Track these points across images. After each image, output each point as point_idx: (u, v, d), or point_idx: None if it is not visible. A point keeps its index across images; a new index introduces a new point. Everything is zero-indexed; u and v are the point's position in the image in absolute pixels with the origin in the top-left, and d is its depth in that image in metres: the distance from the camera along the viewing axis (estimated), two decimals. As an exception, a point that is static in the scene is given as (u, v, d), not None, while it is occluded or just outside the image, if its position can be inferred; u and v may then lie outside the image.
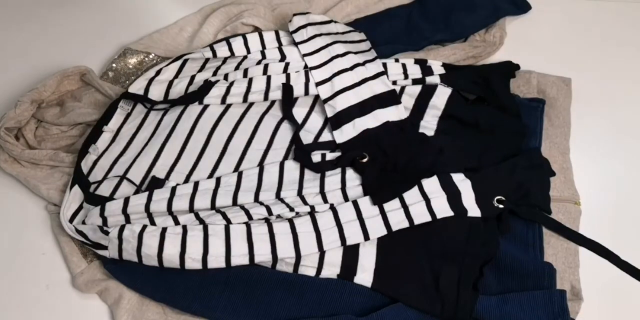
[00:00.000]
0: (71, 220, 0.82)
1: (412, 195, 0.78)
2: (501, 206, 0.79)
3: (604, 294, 0.79)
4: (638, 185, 0.89)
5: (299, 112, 0.90)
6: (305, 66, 0.94)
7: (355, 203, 0.79)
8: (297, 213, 0.78)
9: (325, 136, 0.88)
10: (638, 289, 0.79)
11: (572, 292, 0.79)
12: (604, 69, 1.01)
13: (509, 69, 0.96)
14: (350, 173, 0.83)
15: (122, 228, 0.78)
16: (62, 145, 0.92)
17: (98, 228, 0.78)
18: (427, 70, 0.94)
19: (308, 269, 0.76)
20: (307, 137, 0.87)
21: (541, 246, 0.81)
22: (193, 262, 0.75)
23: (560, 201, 0.85)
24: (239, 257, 0.75)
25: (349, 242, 0.76)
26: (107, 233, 0.78)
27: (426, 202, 0.78)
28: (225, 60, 0.95)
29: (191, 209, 0.79)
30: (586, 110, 0.95)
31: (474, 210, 0.78)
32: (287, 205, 0.79)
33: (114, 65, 1.00)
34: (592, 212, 0.86)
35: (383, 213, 0.78)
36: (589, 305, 0.77)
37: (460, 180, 0.80)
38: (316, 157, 0.84)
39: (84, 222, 0.81)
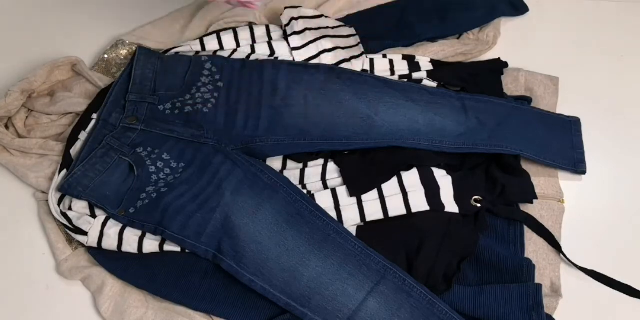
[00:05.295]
0: (58, 204, 0.84)
1: (390, 188, 0.80)
2: (478, 205, 0.80)
3: (585, 292, 0.80)
4: (624, 184, 0.90)
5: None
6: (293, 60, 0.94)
7: (333, 191, 0.80)
8: None
9: None
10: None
11: (552, 288, 0.80)
12: (598, 69, 1.01)
13: (498, 66, 0.97)
14: (331, 165, 0.85)
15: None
16: (52, 134, 0.93)
17: (84, 215, 0.81)
18: (414, 66, 0.95)
19: None
20: None
21: (522, 243, 0.82)
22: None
23: (544, 199, 0.86)
24: None
25: None
26: (94, 216, 0.81)
27: (403, 195, 0.79)
28: (214, 53, 0.95)
29: None
30: (576, 110, 0.94)
31: (451, 207, 0.79)
32: None
33: (105, 56, 1.00)
34: (580, 211, 0.87)
35: (360, 202, 0.79)
36: (568, 303, 0.78)
37: (442, 176, 0.81)
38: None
39: (70, 208, 0.83)
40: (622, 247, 0.84)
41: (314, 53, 0.94)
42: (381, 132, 0.85)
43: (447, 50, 0.98)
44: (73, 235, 0.82)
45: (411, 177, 0.80)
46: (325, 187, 0.83)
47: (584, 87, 0.98)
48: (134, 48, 1.01)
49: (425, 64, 0.95)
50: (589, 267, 0.81)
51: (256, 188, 0.79)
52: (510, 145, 0.86)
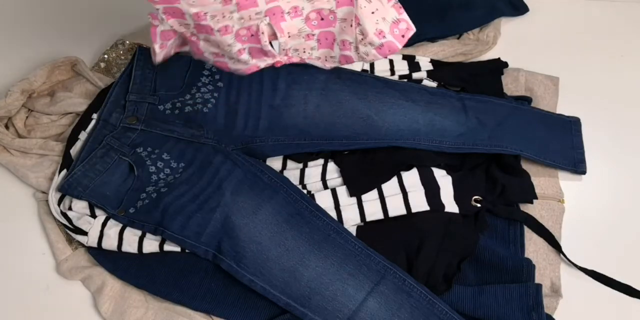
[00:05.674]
0: (58, 204, 0.84)
1: (390, 188, 0.80)
2: (478, 205, 0.80)
3: (585, 292, 0.80)
4: (624, 184, 0.90)
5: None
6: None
7: (333, 191, 0.80)
8: None
9: None
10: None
11: (552, 288, 0.80)
12: (598, 69, 1.01)
13: (498, 66, 0.97)
14: (331, 165, 0.85)
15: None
16: (52, 134, 0.93)
17: (84, 215, 0.81)
18: (414, 66, 0.95)
19: None
20: None
21: (522, 243, 0.82)
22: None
23: (544, 199, 0.86)
24: None
25: None
26: (95, 216, 0.81)
27: (403, 195, 0.79)
28: (214, 53, 0.96)
29: None
30: (576, 110, 0.95)
31: (451, 207, 0.79)
32: None
33: (105, 56, 1.00)
34: (580, 211, 0.87)
35: (360, 202, 0.79)
36: (568, 303, 0.78)
37: (442, 176, 0.81)
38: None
39: (70, 208, 0.83)
40: (622, 247, 0.84)
41: (314, 53, 0.94)
42: (381, 132, 0.85)
43: (447, 50, 0.98)
44: (73, 235, 0.82)
45: (411, 177, 0.80)
46: (325, 187, 0.83)
47: (584, 87, 0.98)
48: (134, 48, 1.00)
49: (425, 64, 0.95)
50: (589, 267, 0.81)
51: (256, 188, 0.79)
52: (510, 145, 0.86)
